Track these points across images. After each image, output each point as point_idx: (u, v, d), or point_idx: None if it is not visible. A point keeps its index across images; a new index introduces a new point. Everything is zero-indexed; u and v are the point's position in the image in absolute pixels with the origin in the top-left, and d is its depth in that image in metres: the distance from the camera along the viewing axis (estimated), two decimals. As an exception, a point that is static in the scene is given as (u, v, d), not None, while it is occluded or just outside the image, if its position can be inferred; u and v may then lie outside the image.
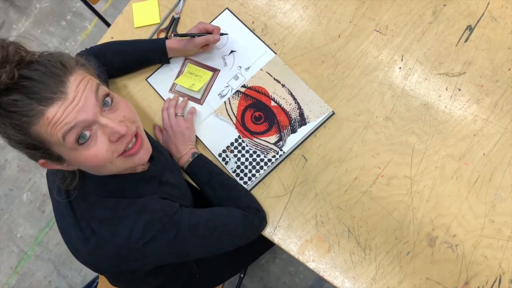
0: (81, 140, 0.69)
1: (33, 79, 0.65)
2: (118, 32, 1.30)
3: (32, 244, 2.05)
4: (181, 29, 1.27)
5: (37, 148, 0.70)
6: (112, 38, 1.29)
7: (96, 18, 2.40)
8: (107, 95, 0.73)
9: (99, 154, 0.71)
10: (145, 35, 1.28)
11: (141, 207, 0.81)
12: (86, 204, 0.81)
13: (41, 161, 0.74)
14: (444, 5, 1.19)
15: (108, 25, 1.84)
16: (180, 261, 0.90)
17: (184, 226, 0.84)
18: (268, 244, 1.37)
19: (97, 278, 1.49)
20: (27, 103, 0.64)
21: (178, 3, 1.29)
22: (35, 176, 2.16)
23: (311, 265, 1.03)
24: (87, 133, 0.69)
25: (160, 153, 1.01)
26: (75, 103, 0.67)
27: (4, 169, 2.19)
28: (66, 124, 0.66)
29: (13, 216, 2.11)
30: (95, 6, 1.75)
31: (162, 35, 1.26)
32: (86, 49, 1.16)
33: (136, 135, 0.77)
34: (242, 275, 1.73)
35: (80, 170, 0.80)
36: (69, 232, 0.83)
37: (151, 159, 0.95)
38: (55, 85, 0.66)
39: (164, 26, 1.28)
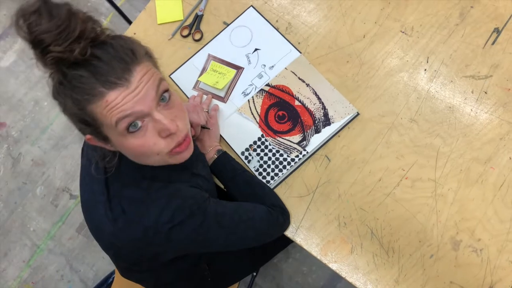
0: (131, 129, 0.70)
1: (102, 60, 0.66)
2: (141, 28, 1.30)
3: (45, 238, 2.06)
4: (204, 26, 1.26)
5: (88, 124, 0.71)
6: (134, 34, 1.29)
7: (112, 13, 2.41)
8: (166, 91, 0.73)
9: (145, 145, 0.72)
10: (167, 32, 1.28)
11: (173, 192, 0.82)
12: (120, 183, 0.82)
13: (88, 136, 0.75)
14: (471, 7, 1.18)
15: (127, 20, 1.83)
16: (201, 251, 0.90)
17: (211, 215, 0.84)
18: (281, 246, 1.37)
19: (112, 273, 1.49)
20: (92, 82, 0.66)
21: (201, 0, 1.29)
22: (49, 170, 2.16)
23: (333, 266, 1.02)
24: (139, 123, 0.70)
25: (195, 146, 1.01)
26: (135, 93, 0.68)
27: (18, 162, 2.19)
28: (122, 111, 0.67)
29: (26, 209, 2.11)
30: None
31: (185, 32, 1.26)
32: None
33: (185, 136, 0.78)
34: (254, 274, 1.73)
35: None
36: (96, 210, 0.84)
37: None
38: (122, 71, 0.67)
39: (187, 23, 1.28)
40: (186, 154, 0.80)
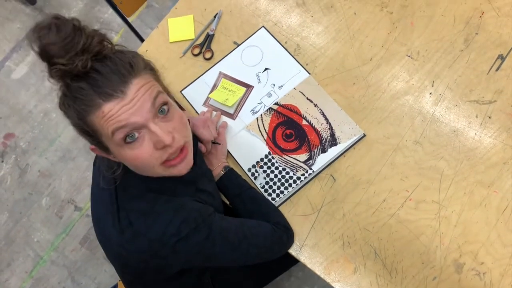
0: (128, 139, 0.72)
1: (101, 73, 0.69)
2: (153, 45, 1.33)
3: (48, 249, 2.06)
4: (214, 46, 1.30)
5: (89, 135, 0.75)
6: (146, 51, 1.32)
7: (123, 28, 2.46)
8: (165, 104, 0.75)
9: (141, 157, 0.74)
10: (179, 50, 1.31)
11: (178, 205, 0.84)
12: (128, 195, 0.84)
13: (92, 146, 0.79)
14: (476, 33, 1.21)
15: (138, 35, 1.88)
16: (206, 265, 0.91)
17: (215, 229, 0.86)
18: (286, 266, 1.37)
19: (115, 287, 1.49)
20: (90, 93, 0.69)
21: (213, 20, 1.33)
22: (55, 182, 2.18)
23: (337, 285, 1.03)
24: (136, 134, 0.73)
25: (202, 161, 1.04)
26: (131, 105, 0.70)
27: (25, 173, 2.21)
28: (118, 122, 0.70)
29: (31, 220, 2.12)
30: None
31: (196, 51, 1.29)
32: None
33: (182, 148, 0.79)
34: (256, 292, 1.72)
35: None
36: (106, 221, 0.86)
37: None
38: (118, 84, 0.70)
39: (198, 42, 1.31)
40: (182, 167, 0.81)
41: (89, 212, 2.08)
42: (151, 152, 0.75)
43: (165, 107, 0.75)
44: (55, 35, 0.66)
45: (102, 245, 0.92)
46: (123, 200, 0.85)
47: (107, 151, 0.78)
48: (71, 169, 2.21)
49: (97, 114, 0.70)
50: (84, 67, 0.68)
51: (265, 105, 1.19)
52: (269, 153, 1.14)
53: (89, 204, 2.09)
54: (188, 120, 0.95)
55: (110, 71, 0.70)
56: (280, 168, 1.12)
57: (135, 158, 0.75)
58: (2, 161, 2.25)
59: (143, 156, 0.74)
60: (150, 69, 0.78)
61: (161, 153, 0.76)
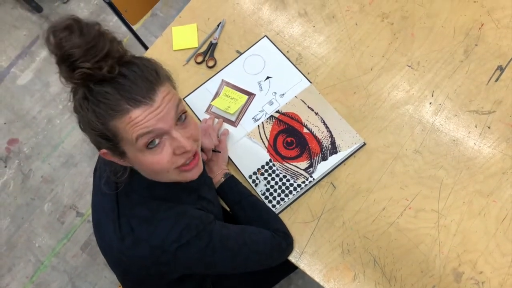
0: (150, 145, 0.74)
1: (128, 78, 0.70)
2: (157, 53, 1.36)
3: (49, 254, 2.07)
4: (217, 54, 1.32)
5: (107, 139, 0.74)
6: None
7: (127, 36, 2.49)
8: (184, 112, 0.78)
9: (160, 162, 0.76)
10: (182, 57, 1.33)
11: (180, 212, 0.85)
12: (130, 202, 0.85)
13: (104, 151, 0.78)
14: (476, 45, 1.22)
15: (142, 43, 1.90)
16: (206, 272, 0.92)
17: (216, 237, 0.87)
18: (286, 272, 1.37)
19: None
20: (117, 99, 0.69)
21: (216, 29, 1.35)
22: (57, 187, 2.19)
23: (336, 293, 1.03)
24: (157, 140, 0.74)
25: (204, 170, 1.04)
26: (158, 111, 0.71)
27: (28, 178, 2.23)
28: (144, 128, 0.71)
29: (33, 225, 2.13)
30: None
31: (200, 59, 1.31)
32: None
33: (194, 154, 0.81)
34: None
35: (132, 168, 0.84)
36: (106, 227, 0.86)
37: None
38: (147, 91, 0.71)
39: (202, 50, 1.33)
40: (195, 172, 0.84)
41: (91, 218, 2.10)
42: (170, 158, 0.77)
43: (183, 115, 0.77)
44: (78, 38, 0.65)
45: (103, 251, 0.93)
46: (125, 206, 0.86)
47: (121, 155, 0.78)
48: (73, 175, 2.22)
49: (123, 120, 0.70)
50: (111, 72, 0.68)
51: (266, 113, 1.21)
52: (270, 160, 1.15)
53: (90, 210, 2.11)
54: None
55: (138, 76, 0.71)
56: (281, 176, 1.13)
57: (155, 163, 0.76)
58: (6, 166, 2.27)
59: (163, 161, 0.76)
60: (170, 79, 0.80)
61: (177, 159, 0.78)
